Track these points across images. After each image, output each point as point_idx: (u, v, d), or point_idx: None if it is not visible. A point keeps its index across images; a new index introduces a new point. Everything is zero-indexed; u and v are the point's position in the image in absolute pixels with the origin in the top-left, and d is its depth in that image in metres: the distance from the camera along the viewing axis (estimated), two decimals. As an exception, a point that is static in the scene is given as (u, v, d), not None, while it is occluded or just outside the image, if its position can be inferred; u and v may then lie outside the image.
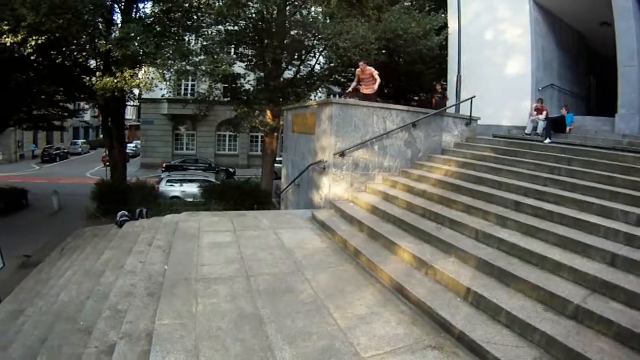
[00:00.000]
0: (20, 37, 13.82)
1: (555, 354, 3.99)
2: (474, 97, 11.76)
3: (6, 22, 13.52)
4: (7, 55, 15.82)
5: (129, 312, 5.40)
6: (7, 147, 39.50)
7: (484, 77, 14.59)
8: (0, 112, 19.47)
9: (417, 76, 20.88)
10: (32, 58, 16.64)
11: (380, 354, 4.29)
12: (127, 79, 15.74)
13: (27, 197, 22.12)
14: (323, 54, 19.79)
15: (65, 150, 47.26)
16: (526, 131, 12.30)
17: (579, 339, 4.02)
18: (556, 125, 11.50)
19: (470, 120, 11.82)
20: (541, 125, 11.64)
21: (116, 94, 16.47)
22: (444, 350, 4.36)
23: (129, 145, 46.65)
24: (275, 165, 21.87)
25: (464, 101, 12.64)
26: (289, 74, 20.39)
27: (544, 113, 12.03)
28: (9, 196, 20.78)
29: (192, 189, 20.81)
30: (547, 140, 10.59)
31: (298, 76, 20.06)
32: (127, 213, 12.54)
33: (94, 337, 5.08)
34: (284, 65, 19.83)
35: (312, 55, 20.08)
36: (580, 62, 17.70)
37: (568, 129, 11.68)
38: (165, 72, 17.00)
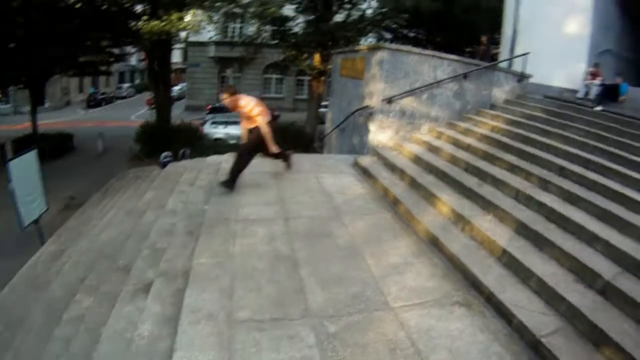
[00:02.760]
0: None
1: (578, 326, 3.92)
2: (528, 53, 11.20)
3: None
4: (52, 5, 15.89)
5: (168, 250, 5.57)
6: (53, 94, 40.10)
7: (540, 34, 13.76)
8: (47, 61, 19.68)
9: (471, 27, 20.19)
10: (77, 6, 16.69)
11: (408, 305, 4.34)
12: (174, 21, 15.66)
13: (72, 141, 22.74)
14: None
15: (111, 95, 48.01)
16: (578, 95, 11.70)
17: (604, 315, 3.93)
18: (609, 93, 10.92)
19: (522, 77, 11.32)
20: (594, 91, 11.09)
21: (163, 37, 16.43)
22: (472, 308, 4.37)
23: (175, 87, 47.12)
24: (320, 110, 21.72)
25: (517, 56, 12.08)
26: (339, 18, 19.91)
27: (598, 78, 11.41)
28: (54, 141, 21.27)
29: (236, 130, 20.52)
30: (599, 107, 10.08)
31: (348, 20, 19.60)
32: (170, 154, 12.68)
33: (132, 275, 5.28)
34: (334, 8, 19.40)
35: (364, -2, 19.38)
36: None
37: (621, 98, 11.08)
38: (213, 14, 16.86)
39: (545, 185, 6.37)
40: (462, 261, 5.05)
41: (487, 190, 6.54)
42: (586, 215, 5.47)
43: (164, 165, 11.35)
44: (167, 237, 6.06)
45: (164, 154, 12.63)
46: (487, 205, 6.16)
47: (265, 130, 7.14)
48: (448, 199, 6.49)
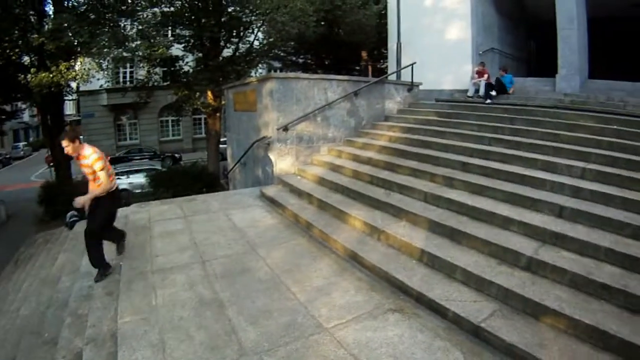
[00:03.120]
0: None
1: (513, 305, 4.20)
2: (414, 63, 11.90)
3: None
4: None
5: (90, 315, 5.30)
6: None
7: (424, 44, 14.75)
8: None
9: (357, 46, 20.97)
10: None
11: (342, 323, 4.40)
12: (62, 71, 15.19)
13: (-29, 209, 20.95)
14: (261, 29, 19.57)
15: (7, 156, 45.18)
16: (468, 94, 12.57)
17: (534, 288, 4.24)
18: (499, 87, 11.79)
19: (412, 86, 11.98)
20: (482, 87, 11.90)
21: (52, 89, 15.84)
22: (405, 312, 4.52)
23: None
24: (220, 146, 21.65)
25: (404, 67, 12.79)
26: (227, 52, 20.08)
27: (485, 76, 12.28)
28: None
29: (139, 179, 20.24)
30: (488, 101, 10.87)
31: (237, 54, 19.80)
32: (76, 213, 12.09)
33: (60, 346, 4.98)
34: (222, 43, 19.49)
35: (250, 31, 19.75)
36: (521, 26, 18.17)
37: (511, 90, 12.01)
38: (101, 60, 16.49)
39: (450, 182, 6.80)
40: (384, 270, 5.23)
41: (395, 198, 6.86)
42: (495, 202, 5.93)
43: (71, 225, 10.80)
44: (87, 302, 5.76)
45: (70, 213, 12.03)
46: (398, 212, 6.45)
47: (99, 192, 5.83)
48: (359, 213, 6.72)
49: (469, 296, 4.49)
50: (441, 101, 11.88)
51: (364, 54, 15.33)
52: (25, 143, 52.66)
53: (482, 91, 11.87)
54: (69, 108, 55.89)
